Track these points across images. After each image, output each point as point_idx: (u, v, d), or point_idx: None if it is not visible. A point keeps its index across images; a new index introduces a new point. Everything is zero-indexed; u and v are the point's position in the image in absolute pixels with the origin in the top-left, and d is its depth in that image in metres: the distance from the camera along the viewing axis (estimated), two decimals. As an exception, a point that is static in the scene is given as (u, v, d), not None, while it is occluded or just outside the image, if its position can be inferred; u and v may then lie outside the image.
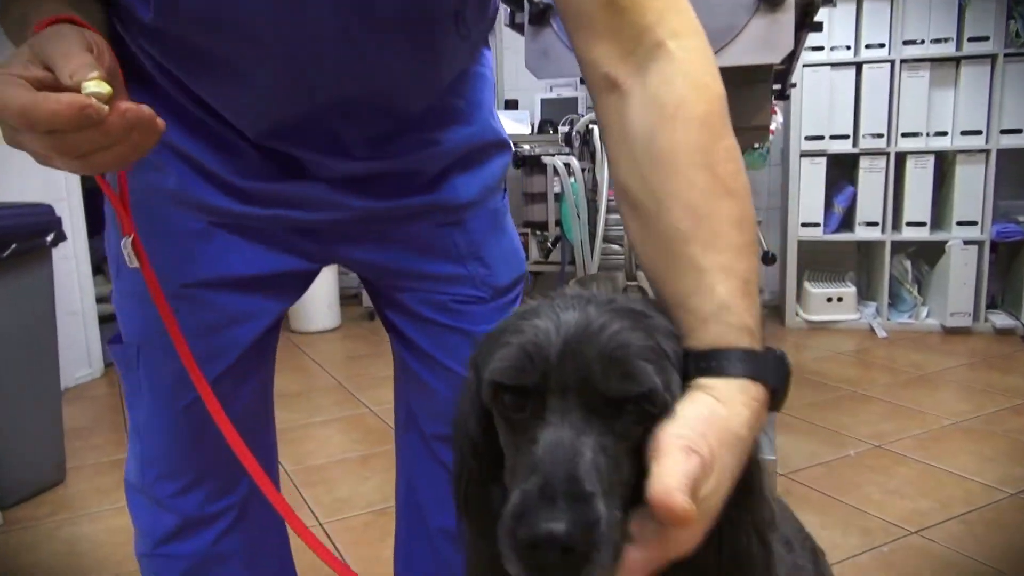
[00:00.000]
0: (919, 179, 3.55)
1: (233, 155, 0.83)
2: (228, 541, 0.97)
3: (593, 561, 0.44)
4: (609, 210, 3.28)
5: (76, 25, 0.62)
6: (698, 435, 0.50)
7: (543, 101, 4.08)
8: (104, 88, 0.52)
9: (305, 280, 0.96)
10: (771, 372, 0.55)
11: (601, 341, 0.50)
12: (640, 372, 0.50)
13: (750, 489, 0.56)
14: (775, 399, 0.56)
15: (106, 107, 0.53)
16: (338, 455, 2.36)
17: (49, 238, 2.07)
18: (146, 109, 0.57)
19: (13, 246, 1.96)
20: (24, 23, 0.65)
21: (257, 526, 1.01)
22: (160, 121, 0.59)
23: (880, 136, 3.54)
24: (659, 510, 0.46)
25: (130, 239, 0.70)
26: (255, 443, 0.98)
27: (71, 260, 3.05)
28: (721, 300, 0.56)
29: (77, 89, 0.53)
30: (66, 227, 2.90)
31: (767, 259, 2.08)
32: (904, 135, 3.52)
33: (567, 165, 3.11)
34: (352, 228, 0.90)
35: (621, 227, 2.88)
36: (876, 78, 3.51)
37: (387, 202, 0.88)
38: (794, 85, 2.46)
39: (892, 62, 3.47)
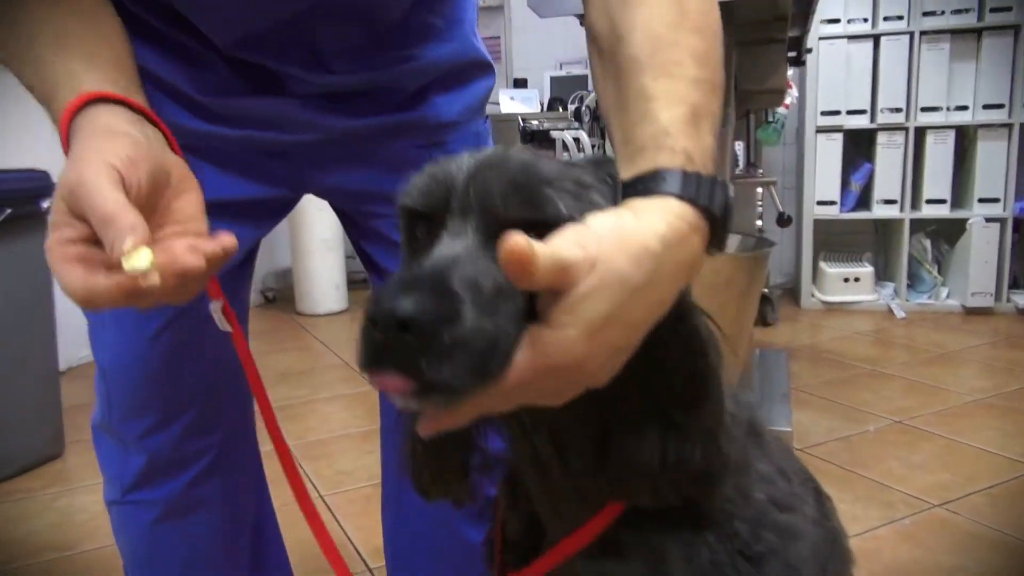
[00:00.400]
0: (939, 155, 3.45)
1: (201, 69, 0.77)
2: (204, 487, 0.91)
3: (435, 351, 0.39)
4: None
5: (108, 103, 0.59)
6: (591, 235, 0.44)
7: (552, 79, 4.01)
8: (144, 260, 0.48)
9: (279, 209, 0.91)
10: (704, 194, 0.49)
11: (508, 167, 0.49)
12: (544, 199, 0.47)
13: (697, 377, 0.52)
14: (714, 232, 0.50)
15: (155, 277, 0.49)
16: (340, 430, 2.31)
17: (45, 204, 2.02)
18: (200, 253, 0.53)
19: (7, 211, 1.92)
20: (33, 43, 0.62)
21: (236, 475, 0.95)
22: (230, 243, 0.55)
23: (899, 110, 3.44)
24: (501, 251, 0.40)
25: (220, 304, 0.67)
26: (233, 383, 0.93)
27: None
28: (662, 126, 0.51)
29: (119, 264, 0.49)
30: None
31: (782, 220, 2.01)
32: (923, 109, 3.42)
33: (576, 140, 3.04)
34: (327, 150, 0.85)
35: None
36: (894, 50, 3.41)
37: (364, 119, 0.83)
38: (809, 50, 2.37)
39: (911, 34, 3.38)
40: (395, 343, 0.39)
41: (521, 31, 4.23)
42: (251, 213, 0.86)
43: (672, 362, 0.53)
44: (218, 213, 0.86)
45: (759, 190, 2.84)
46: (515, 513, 0.70)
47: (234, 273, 0.91)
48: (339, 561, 0.77)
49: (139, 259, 0.47)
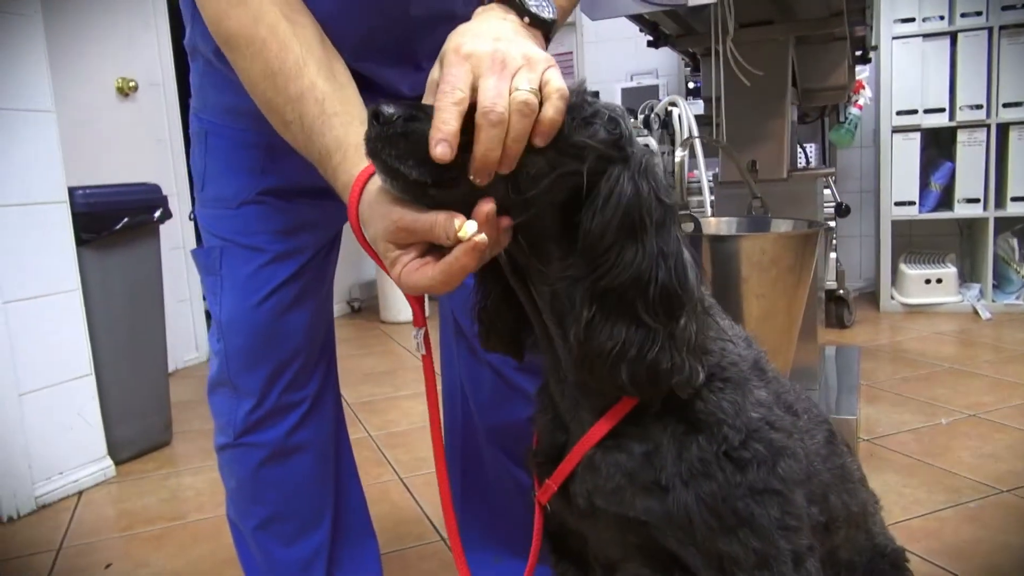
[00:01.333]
0: (1023, 151, 3.35)
1: None
2: (302, 432, 1.06)
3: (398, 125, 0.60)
4: (689, 192, 3.27)
5: None
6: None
7: (623, 91, 4.10)
8: (472, 226, 0.61)
9: None
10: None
11: None
12: None
13: (670, 291, 0.63)
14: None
15: (483, 234, 0.61)
16: (419, 422, 2.45)
17: (156, 214, 2.26)
18: (490, 204, 0.63)
19: (125, 219, 2.16)
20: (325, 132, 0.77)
21: (325, 421, 1.10)
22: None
23: (979, 107, 3.38)
24: None
25: (422, 331, 0.79)
26: (323, 338, 1.07)
27: (180, 250, 3.29)
28: None
29: (457, 241, 0.62)
30: (176, 220, 3.16)
31: (841, 210, 2.04)
32: (1005, 105, 3.34)
33: (646, 146, 3.12)
34: None
35: (703, 209, 2.87)
36: (973, 46, 3.35)
37: None
38: (875, 47, 2.39)
39: (989, 29, 3.31)
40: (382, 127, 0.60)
41: (593, 45, 4.35)
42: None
43: (652, 273, 0.63)
44: (317, 196, 1.01)
45: (824, 187, 2.84)
46: (545, 416, 0.80)
47: (329, 246, 1.06)
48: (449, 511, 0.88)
49: (469, 227, 0.60)
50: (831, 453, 0.87)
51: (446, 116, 0.60)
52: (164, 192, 2.35)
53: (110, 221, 2.14)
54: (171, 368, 3.17)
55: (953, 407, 2.27)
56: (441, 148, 0.59)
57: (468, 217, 0.62)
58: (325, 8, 0.85)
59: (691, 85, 3.80)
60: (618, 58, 4.24)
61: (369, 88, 0.93)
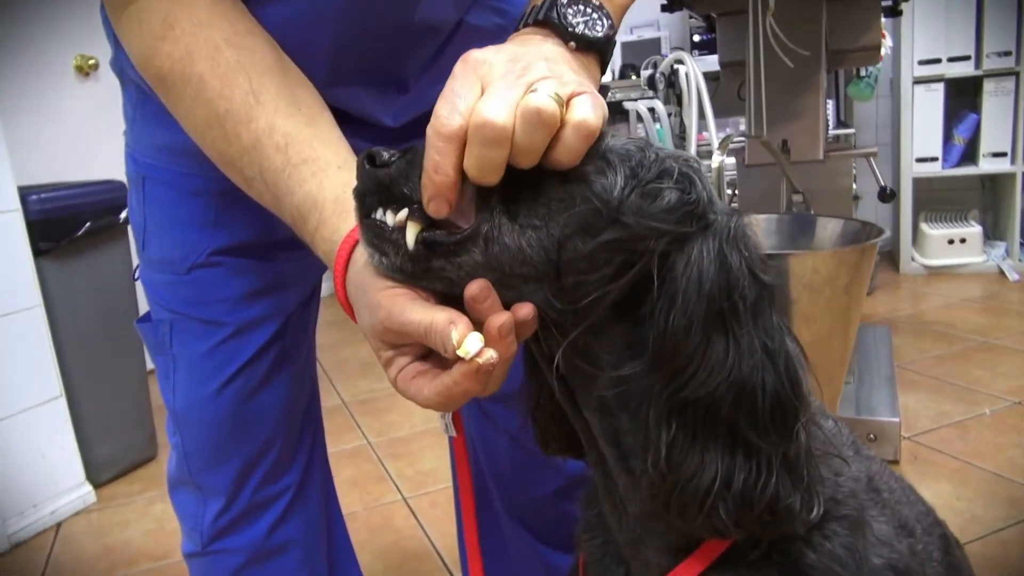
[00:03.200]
0: (1055, 100, 3.14)
1: None
2: (285, 528, 0.89)
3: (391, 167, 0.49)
4: (700, 156, 3.05)
5: None
6: None
7: (623, 44, 3.84)
8: (475, 342, 0.47)
9: None
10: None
11: None
12: None
13: (785, 402, 0.47)
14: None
15: (491, 352, 0.48)
16: (421, 426, 2.29)
17: (123, 215, 2.05)
18: (518, 314, 0.49)
19: (87, 224, 1.95)
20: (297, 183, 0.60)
21: (313, 507, 0.92)
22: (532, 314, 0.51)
23: (1007, 54, 3.14)
24: None
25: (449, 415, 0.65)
26: (305, 413, 0.90)
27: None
28: None
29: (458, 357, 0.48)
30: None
31: (885, 195, 1.85)
32: (1036, 51, 3.11)
33: (651, 110, 2.90)
34: None
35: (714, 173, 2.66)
36: (1002, -12, 3.10)
37: None
38: (907, -1, 2.18)
39: (1021, -32, 3.06)
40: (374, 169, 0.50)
41: (589, -4, 4.07)
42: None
43: (758, 378, 0.47)
44: (283, 249, 0.82)
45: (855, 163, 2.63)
46: (593, 540, 0.64)
47: (308, 301, 0.88)
48: None
49: (471, 342, 0.47)
50: (949, 567, 0.72)
51: (438, 159, 0.45)
52: (130, 188, 2.14)
53: (71, 227, 1.93)
54: (151, 366, 3.00)
55: (994, 393, 2.11)
56: (435, 204, 0.46)
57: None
58: (289, 19, 0.66)
59: (696, 38, 3.55)
60: (616, 9, 3.96)
61: (343, 122, 0.73)
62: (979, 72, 3.21)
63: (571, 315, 0.48)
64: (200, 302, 0.80)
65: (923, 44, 3.24)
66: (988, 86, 3.21)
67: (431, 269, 0.48)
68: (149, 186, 0.80)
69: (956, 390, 2.16)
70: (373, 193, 0.49)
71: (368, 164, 0.49)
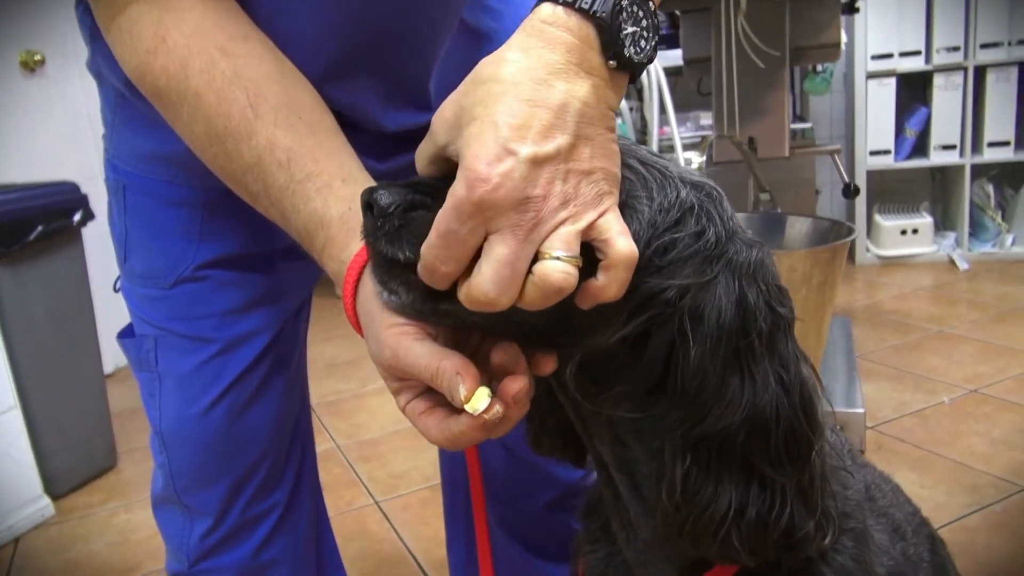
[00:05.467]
0: (1001, 94, 3.23)
1: None
2: (273, 547, 0.86)
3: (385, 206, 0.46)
4: (661, 150, 3.08)
5: None
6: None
7: (583, 40, 3.84)
8: (483, 398, 0.46)
9: None
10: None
11: None
12: None
13: (799, 434, 0.47)
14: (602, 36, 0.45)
15: (498, 406, 0.46)
16: (391, 427, 2.26)
17: (76, 217, 1.98)
18: (522, 384, 0.48)
19: (39, 228, 1.88)
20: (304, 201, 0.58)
21: (301, 522, 0.90)
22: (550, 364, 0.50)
23: (956, 49, 3.23)
24: None
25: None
26: (295, 427, 0.88)
27: (110, 238, 2.99)
28: None
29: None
30: (101, 207, 2.84)
31: (849, 191, 1.89)
32: (983, 46, 3.20)
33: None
34: None
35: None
36: (950, -16, 3.18)
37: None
38: (864, -5, 2.21)
39: (968, -35, 3.15)
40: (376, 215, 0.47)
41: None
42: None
43: (772, 412, 0.47)
44: (273, 260, 0.80)
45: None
46: (597, 553, 0.64)
47: (299, 311, 0.86)
48: None
49: (479, 400, 0.46)
50: (936, 567, 0.74)
51: (435, 279, 0.45)
52: (84, 189, 2.06)
53: (21, 232, 1.85)
54: (110, 368, 2.91)
55: (951, 381, 2.18)
56: (435, 283, 0.45)
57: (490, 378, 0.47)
58: (295, 23, 0.64)
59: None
60: None
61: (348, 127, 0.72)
62: (929, 67, 3.29)
63: (582, 351, 0.48)
64: (186, 317, 0.77)
65: (876, 39, 3.31)
66: (938, 80, 3.29)
67: (439, 310, 0.47)
68: (130, 195, 0.77)
69: (915, 379, 2.22)
70: (371, 239, 0.48)
71: (368, 211, 0.47)
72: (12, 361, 1.86)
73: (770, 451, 0.47)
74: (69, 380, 2.04)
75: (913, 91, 3.44)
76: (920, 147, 3.45)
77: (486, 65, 0.45)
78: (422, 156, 0.50)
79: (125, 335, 0.82)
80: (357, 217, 0.51)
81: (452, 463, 1.04)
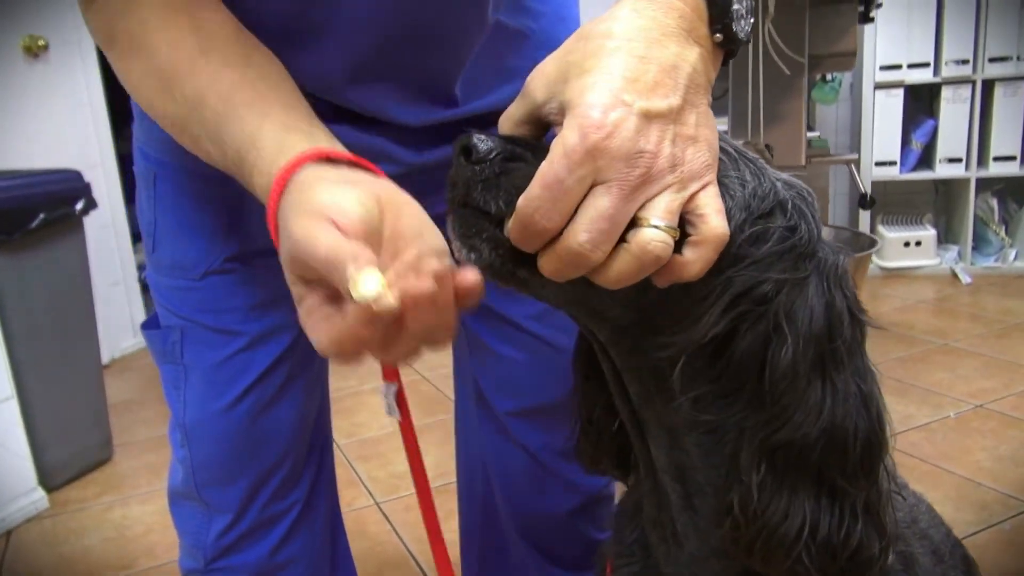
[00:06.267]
0: (1009, 108, 3.23)
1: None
2: (291, 546, 0.84)
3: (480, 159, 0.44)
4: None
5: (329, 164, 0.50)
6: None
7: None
8: (373, 283, 0.41)
9: None
10: None
11: None
12: None
13: (874, 445, 0.46)
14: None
15: (389, 297, 0.41)
16: (391, 426, 2.24)
17: (79, 205, 1.95)
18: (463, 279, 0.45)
19: (41, 215, 1.85)
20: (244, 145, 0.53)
21: (318, 522, 0.88)
22: (477, 286, 0.45)
23: (965, 62, 3.22)
24: None
25: (393, 388, 0.59)
26: (315, 425, 0.86)
27: (109, 228, 2.95)
28: None
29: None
30: (101, 195, 2.80)
31: (865, 202, 1.87)
32: (992, 60, 3.20)
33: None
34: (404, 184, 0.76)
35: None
36: (961, -3, 3.18)
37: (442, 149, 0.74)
38: (880, 5, 2.19)
39: (979, -22, 3.14)
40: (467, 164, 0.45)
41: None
42: None
43: (852, 423, 0.46)
44: None
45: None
46: (630, 567, 0.62)
47: None
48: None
49: (365, 283, 0.41)
50: None
51: (530, 234, 0.42)
52: (87, 176, 2.03)
53: (22, 219, 1.82)
54: (107, 359, 2.88)
55: (957, 396, 2.17)
56: (524, 246, 0.43)
57: None
58: (327, 26, 0.62)
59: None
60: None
61: (356, 121, 0.69)
62: (937, 79, 3.29)
63: (686, 350, 0.46)
64: (215, 310, 0.75)
65: (885, 50, 3.30)
66: (946, 93, 3.29)
67: (516, 276, 0.45)
68: (161, 184, 0.75)
69: (920, 393, 2.21)
70: (460, 188, 0.45)
71: (464, 158, 0.44)
72: (10, 350, 1.83)
73: (848, 463, 0.45)
74: (66, 370, 2.01)
75: (920, 103, 3.43)
76: (926, 159, 3.45)
77: (596, 23, 0.44)
78: (510, 119, 0.49)
79: (149, 326, 0.80)
80: (296, 146, 0.49)
81: (467, 484, 1.02)
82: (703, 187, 0.43)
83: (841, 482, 0.45)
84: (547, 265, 0.43)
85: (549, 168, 0.41)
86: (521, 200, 0.42)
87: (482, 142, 0.44)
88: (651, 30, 0.43)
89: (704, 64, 0.45)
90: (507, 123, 0.49)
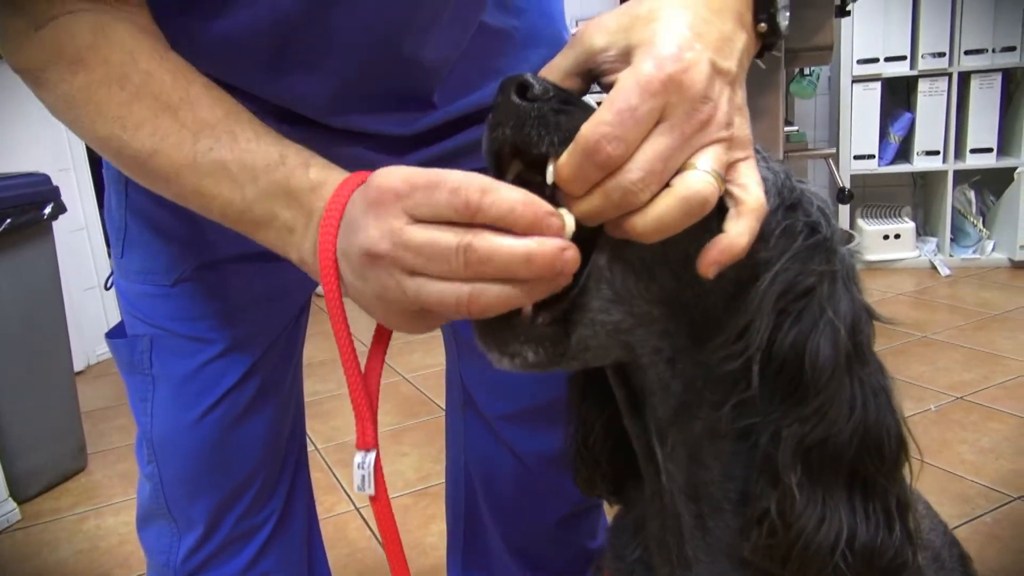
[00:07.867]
0: (985, 100, 3.25)
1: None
2: (266, 561, 0.82)
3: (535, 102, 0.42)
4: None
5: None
6: None
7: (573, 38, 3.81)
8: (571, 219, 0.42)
9: None
10: None
11: None
12: None
13: (903, 442, 0.46)
14: None
15: (574, 252, 0.42)
16: (372, 429, 2.21)
17: (47, 210, 1.91)
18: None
19: (8, 221, 1.80)
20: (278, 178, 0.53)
21: (295, 535, 0.86)
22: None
23: (941, 55, 3.24)
24: None
25: (371, 456, 0.53)
26: (291, 435, 0.84)
27: (82, 232, 2.90)
28: None
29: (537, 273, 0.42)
30: (74, 199, 2.76)
31: (844, 196, 1.87)
32: (967, 52, 3.21)
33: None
34: None
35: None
36: (936, -10, 3.19)
37: (443, 144, 0.73)
38: None
39: (954, -29, 3.15)
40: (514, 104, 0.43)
41: None
42: None
43: (884, 420, 0.46)
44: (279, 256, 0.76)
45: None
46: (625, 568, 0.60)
47: (294, 323, 0.81)
48: None
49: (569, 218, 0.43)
50: None
51: (594, 163, 0.41)
52: (59, 180, 1.99)
53: (-12, 225, 1.78)
54: (81, 365, 2.83)
55: (937, 388, 2.17)
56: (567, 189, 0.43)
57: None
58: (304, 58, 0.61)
59: (642, 32, 3.54)
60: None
61: (337, 133, 0.68)
62: (914, 72, 3.30)
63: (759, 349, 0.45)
64: (189, 317, 0.73)
65: (862, 44, 3.31)
66: (923, 86, 3.30)
67: (569, 350, 0.44)
68: (132, 186, 0.72)
69: (901, 386, 2.20)
70: (508, 127, 0.43)
71: (517, 96, 0.43)
72: (-23, 360, 1.79)
73: (884, 462, 0.45)
74: (38, 377, 1.97)
75: (897, 96, 3.45)
76: (903, 152, 3.46)
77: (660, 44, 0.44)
78: (557, 69, 0.47)
79: (115, 335, 0.77)
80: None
81: (452, 489, 1.00)
82: (746, 158, 0.43)
83: (881, 480, 0.45)
84: (587, 204, 0.41)
85: (621, 95, 0.40)
86: (587, 126, 0.40)
87: (539, 81, 0.43)
88: (710, 3, 0.45)
89: (748, 49, 0.46)
90: (554, 74, 0.47)
